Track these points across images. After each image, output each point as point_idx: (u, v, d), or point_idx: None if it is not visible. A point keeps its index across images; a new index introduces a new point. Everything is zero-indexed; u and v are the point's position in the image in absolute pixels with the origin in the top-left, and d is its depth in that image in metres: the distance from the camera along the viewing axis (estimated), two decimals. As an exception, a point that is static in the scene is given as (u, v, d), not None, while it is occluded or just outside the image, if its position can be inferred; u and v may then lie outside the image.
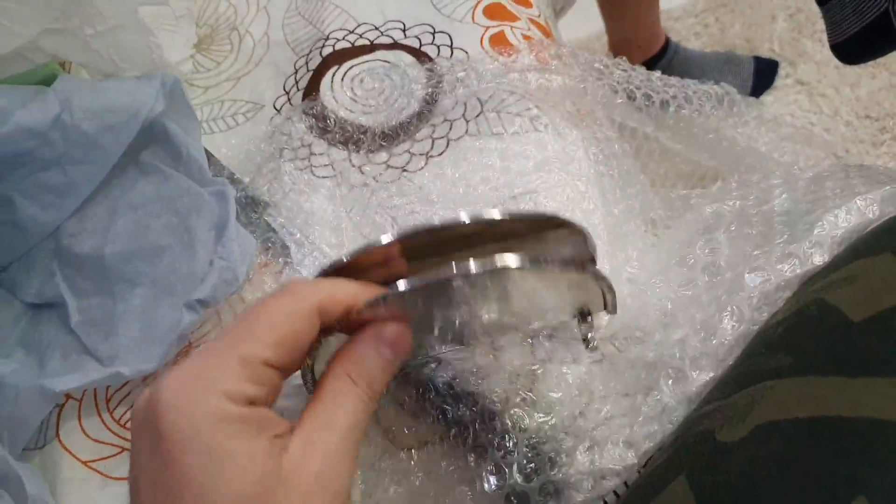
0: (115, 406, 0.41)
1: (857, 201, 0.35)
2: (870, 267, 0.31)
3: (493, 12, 0.51)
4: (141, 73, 0.49)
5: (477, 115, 0.47)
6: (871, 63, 0.82)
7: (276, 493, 0.22)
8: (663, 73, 1.07)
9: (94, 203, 0.46)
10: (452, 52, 0.49)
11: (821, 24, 1.21)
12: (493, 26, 0.50)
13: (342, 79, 0.50)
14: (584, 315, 0.32)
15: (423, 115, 0.47)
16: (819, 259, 0.34)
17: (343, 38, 0.52)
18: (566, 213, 0.29)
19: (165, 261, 0.43)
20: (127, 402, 0.42)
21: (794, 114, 1.16)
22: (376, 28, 0.52)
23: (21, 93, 0.44)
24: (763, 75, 1.19)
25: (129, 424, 0.41)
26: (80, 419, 0.41)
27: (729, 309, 0.33)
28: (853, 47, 0.73)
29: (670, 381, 0.32)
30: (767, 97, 1.18)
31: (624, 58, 0.51)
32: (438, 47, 0.50)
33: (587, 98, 0.48)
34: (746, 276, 0.34)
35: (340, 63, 0.51)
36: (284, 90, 0.52)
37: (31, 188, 0.44)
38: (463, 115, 0.47)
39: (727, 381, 0.32)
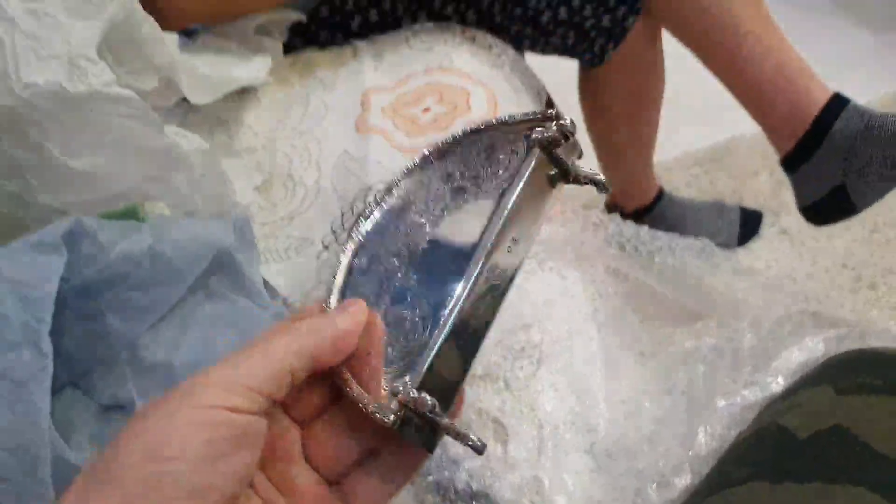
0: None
1: (807, 341, 0.44)
2: (812, 396, 0.39)
3: (510, 174, 0.62)
4: (216, 211, 0.58)
5: (495, 258, 0.56)
6: (845, 217, 0.93)
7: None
8: (657, 220, 1.19)
9: (168, 320, 0.54)
10: (475, 205, 0.60)
11: (799, 182, 1.34)
12: (509, 185, 0.61)
13: (382, 223, 0.60)
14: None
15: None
16: (777, 387, 0.42)
17: (383, 190, 0.63)
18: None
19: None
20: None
21: (779, 260, 1.26)
22: (411, 182, 0.63)
23: (121, 227, 0.53)
24: (749, 224, 1.30)
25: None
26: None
27: (703, 427, 0.41)
28: (816, 212, 0.84)
29: (656, 486, 0.38)
30: (753, 244, 1.29)
31: (617, 214, 0.61)
32: (463, 201, 0.60)
33: (585, 247, 0.57)
34: (718, 399, 0.42)
35: (381, 210, 0.61)
36: (332, 230, 0.62)
37: (119, 305, 0.53)
38: (483, 257, 0.56)
39: (701, 489, 0.39)
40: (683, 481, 0.39)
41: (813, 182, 0.81)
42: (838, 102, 0.77)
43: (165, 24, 0.72)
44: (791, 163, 0.82)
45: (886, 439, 0.34)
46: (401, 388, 0.26)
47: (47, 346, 0.45)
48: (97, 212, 0.54)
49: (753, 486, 0.36)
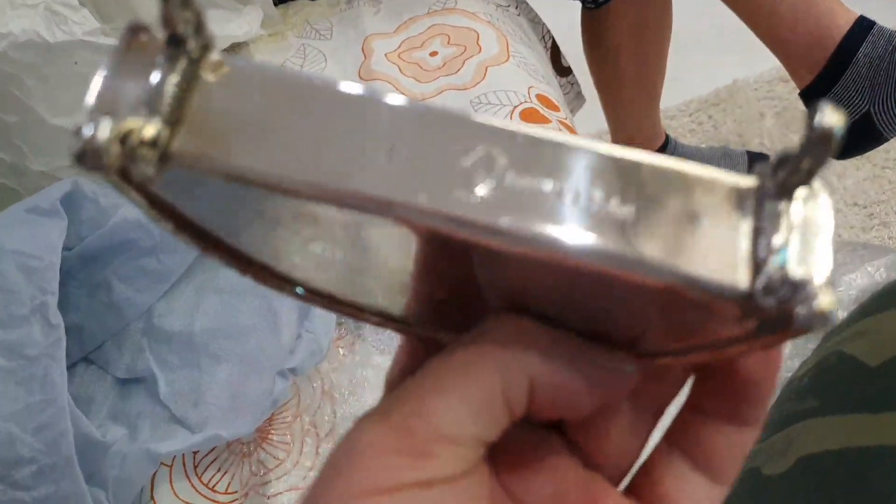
0: (203, 471, 0.45)
1: (868, 267, 0.41)
2: (879, 322, 0.36)
3: (528, 116, 0.59)
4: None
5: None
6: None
7: None
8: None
9: (181, 286, 0.51)
10: (495, 151, 0.57)
11: (806, 121, 1.31)
12: (528, 128, 0.58)
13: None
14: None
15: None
16: (840, 314, 0.40)
17: (395, 140, 0.60)
18: None
19: (252, 340, 0.47)
20: (214, 467, 0.45)
21: (789, 202, 1.24)
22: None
23: (123, 191, 0.50)
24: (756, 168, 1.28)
25: (217, 486, 0.45)
26: (171, 483, 0.45)
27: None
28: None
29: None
30: (762, 187, 1.27)
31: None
32: (482, 147, 0.57)
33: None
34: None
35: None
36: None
37: (128, 273, 0.50)
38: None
39: (766, 426, 0.37)
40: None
41: (834, 112, 0.78)
42: (863, 26, 0.74)
43: None
44: (812, 94, 0.79)
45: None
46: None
47: (57, 318, 0.42)
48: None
49: (822, 419, 0.34)
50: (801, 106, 0.86)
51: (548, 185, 0.13)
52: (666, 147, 1.21)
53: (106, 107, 0.13)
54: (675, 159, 0.14)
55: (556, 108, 0.61)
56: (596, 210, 0.13)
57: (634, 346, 0.17)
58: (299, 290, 0.19)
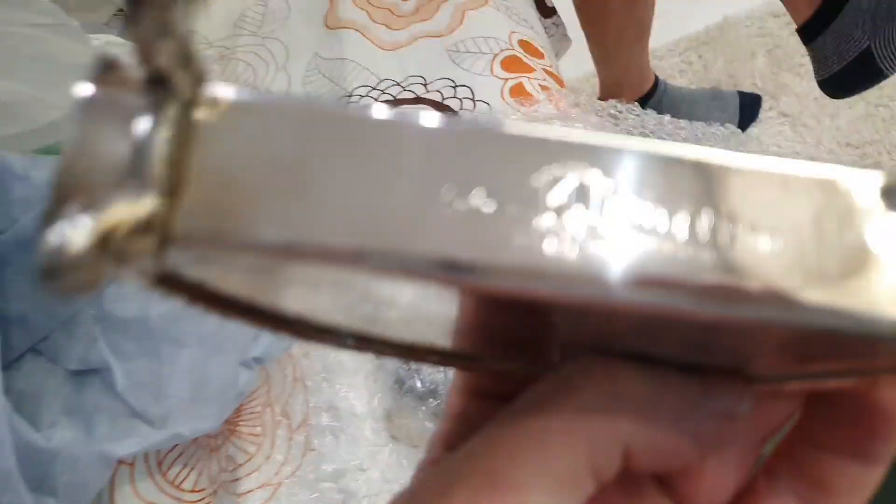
0: (167, 468, 0.42)
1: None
2: None
3: (510, 65, 0.54)
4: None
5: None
6: (849, 93, 0.86)
7: None
8: (655, 111, 1.10)
9: (134, 266, 0.47)
10: (475, 105, 0.52)
11: (799, 59, 1.26)
12: (511, 78, 0.53)
13: (369, 134, 0.52)
14: None
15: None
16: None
17: (366, 95, 0.54)
18: None
19: (213, 321, 0.43)
20: (180, 463, 0.42)
21: (780, 144, 1.20)
22: (398, 84, 0.55)
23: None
24: (748, 109, 1.23)
25: (183, 485, 0.41)
26: (133, 483, 0.41)
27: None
28: (838, 83, 0.77)
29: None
30: (753, 129, 1.22)
31: (636, 103, 0.54)
32: (461, 100, 0.52)
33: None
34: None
35: (366, 119, 0.53)
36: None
37: (73, 255, 0.45)
38: (490, 164, 0.49)
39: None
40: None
41: (835, 50, 0.74)
42: (865, -44, 0.68)
43: None
44: (810, 31, 0.74)
45: None
46: None
47: (-14, 312, 0.37)
48: (26, 148, 0.45)
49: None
50: (793, 43, 0.82)
51: (664, 218, 0.10)
52: (655, 89, 1.15)
53: (77, 185, 0.09)
54: (807, 162, 0.11)
55: (539, 55, 0.56)
56: (727, 244, 0.10)
57: (742, 369, 0.14)
58: (349, 340, 0.16)
